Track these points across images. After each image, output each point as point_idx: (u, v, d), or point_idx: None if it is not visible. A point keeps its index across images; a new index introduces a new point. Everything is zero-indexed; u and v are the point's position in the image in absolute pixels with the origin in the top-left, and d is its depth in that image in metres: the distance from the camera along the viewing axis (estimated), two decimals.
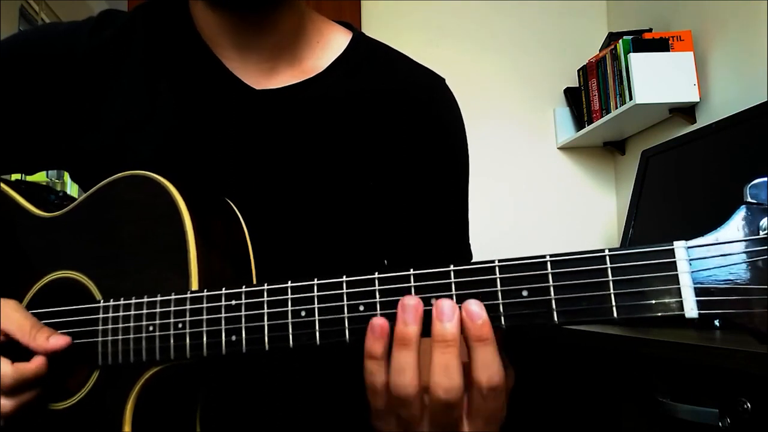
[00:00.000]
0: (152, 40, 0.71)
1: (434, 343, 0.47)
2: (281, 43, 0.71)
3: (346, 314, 0.50)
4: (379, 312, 0.49)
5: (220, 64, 0.70)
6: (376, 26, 2.46)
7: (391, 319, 0.48)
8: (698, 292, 0.42)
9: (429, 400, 0.48)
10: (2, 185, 0.71)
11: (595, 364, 1.25)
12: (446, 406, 0.48)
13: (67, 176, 3.20)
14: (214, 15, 0.69)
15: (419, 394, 0.48)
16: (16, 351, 0.59)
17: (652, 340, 0.99)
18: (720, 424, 0.86)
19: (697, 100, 1.97)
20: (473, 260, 0.80)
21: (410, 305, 0.47)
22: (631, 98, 2.01)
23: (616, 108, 2.11)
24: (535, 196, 2.50)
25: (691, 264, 0.42)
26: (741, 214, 0.42)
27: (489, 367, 0.47)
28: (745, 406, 0.83)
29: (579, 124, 2.43)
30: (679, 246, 0.43)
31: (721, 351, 0.83)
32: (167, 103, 0.69)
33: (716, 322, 1.07)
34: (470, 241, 0.80)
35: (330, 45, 0.74)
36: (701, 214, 1.51)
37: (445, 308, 0.47)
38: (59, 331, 0.60)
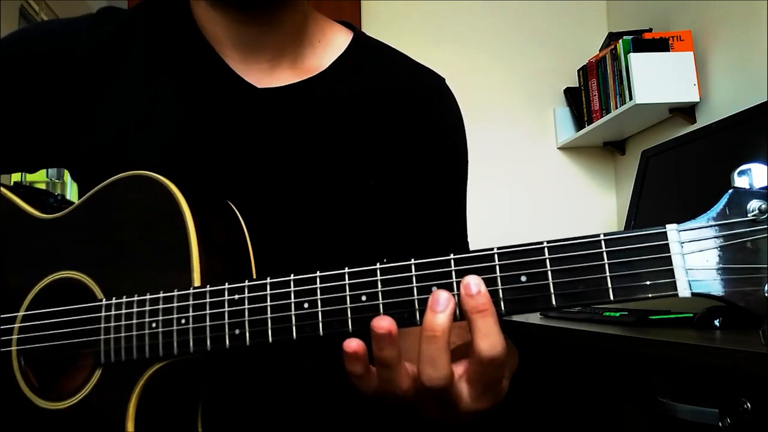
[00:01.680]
0: (153, 39, 0.71)
1: (422, 333, 0.47)
2: (283, 42, 0.71)
3: (348, 305, 0.51)
4: (381, 301, 0.50)
5: (222, 63, 0.70)
6: (376, 26, 2.46)
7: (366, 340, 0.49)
8: (691, 272, 0.44)
9: (417, 384, 0.49)
10: (1, 189, 0.71)
11: (595, 364, 1.25)
12: (433, 393, 0.49)
13: (67, 176, 3.20)
14: (216, 13, 0.69)
15: (411, 389, 0.49)
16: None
17: (652, 340, 0.98)
18: (720, 424, 0.86)
19: (697, 100, 1.97)
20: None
21: (382, 332, 0.47)
22: (631, 98, 2.01)
23: (616, 108, 2.11)
24: (535, 196, 2.50)
25: (683, 246, 0.44)
26: (729, 198, 0.45)
27: (490, 336, 0.47)
28: (745, 406, 0.83)
29: (579, 124, 2.43)
30: (672, 229, 0.45)
31: (721, 351, 0.83)
32: (169, 102, 0.69)
33: (716, 322, 1.07)
34: (469, 240, 0.80)
35: (331, 44, 0.75)
36: (701, 215, 1.50)
37: (441, 299, 0.47)
38: (62, 331, 0.60)
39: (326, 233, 0.70)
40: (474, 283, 0.47)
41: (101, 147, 0.69)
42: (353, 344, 0.48)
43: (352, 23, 0.80)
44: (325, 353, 0.70)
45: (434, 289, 0.48)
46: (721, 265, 0.43)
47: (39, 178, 3.15)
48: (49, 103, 0.70)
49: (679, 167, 1.71)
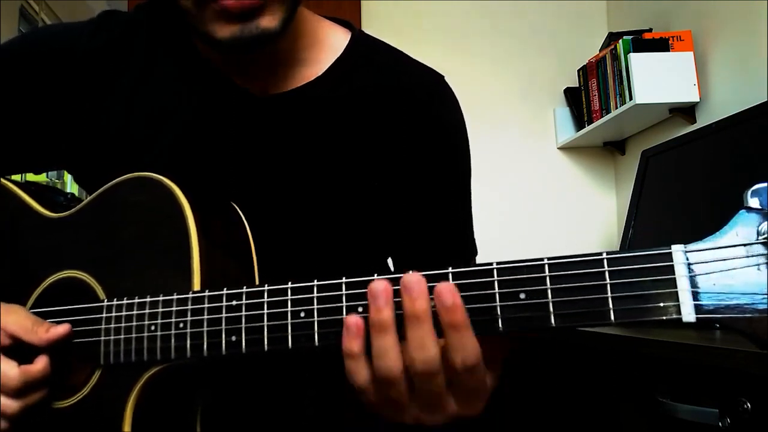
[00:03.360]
0: (153, 45, 0.71)
1: (406, 319, 0.47)
2: (281, 49, 0.70)
3: (344, 316, 0.50)
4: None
5: (220, 72, 0.70)
6: (376, 27, 2.46)
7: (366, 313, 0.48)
8: (696, 296, 0.42)
9: (410, 374, 0.48)
10: (12, 186, 0.71)
11: (595, 364, 1.25)
12: (427, 377, 0.48)
13: (67, 176, 3.20)
14: None
15: (404, 373, 0.48)
16: (23, 353, 0.59)
17: (652, 340, 0.99)
18: (720, 424, 0.87)
19: (697, 100, 1.97)
20: (476, 257, 0.80)
21: (379, 290, 0.47)
22: (631, 98, 2.01)
23: (616, 108, 2.11)
24: (535, 196, 2.50)
25: (689, 268, 0.42)
26: (740, 219, 0.42)
27: (462, 350, 0.46)
28: (745, 406, 0.83)
29: (579, 124, 2.43)
30: (677, 250, 0.43)
31: (721, 351, 0.83)
32: (169, 109, 0.69)
33: (716, 324, 1.07)
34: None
35: (329, 47, 0.74)
36: (701, 215, 1.51)
37: (413, 284, 0.47)
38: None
39: (330, 235, 0.70)
40: (445, 295, 0.46)
41: (103, 150, 0.69)
42: (354, 318, 0.48)
43: (351, 21, 0.80)
44: (323, 359, 0.70)
45: (408, 272, 0.47)
46: (728, 290, 0.41)
47: (39, 178, 3.14)
48: (51, 105, 0.70)
49: (679, 167, 1.71)
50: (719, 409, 0.87)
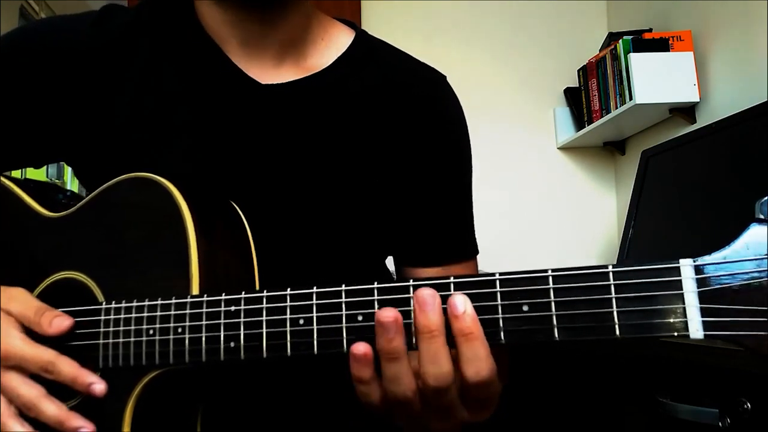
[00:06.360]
0: (158, 38, 0.71)
1: (419, 334, 0.46)
2: (287, 40, 0.71)
3: (344, 324, 0.49)
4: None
5: (227, 60, 0.70)
6: (376, 27, 2.46)
7: (371, 336, 0.48)
8: (704, 312, 0.41)
9: (421, 386, 0.48)
10: (11, 184, 0.71)
11: (596, 365, 1.25)
12: (438, 392, 0.48)
13: (67, 176, 3.20)
14: (220, 11, 0.70)
15: (417, 392, 0.48)
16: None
17: (652, 341, 0.98)
18: (720, 424, 0.87)
19: (697, 100, 1.97)
20: (477, 256, 0.80)
21: (389, 321, 0.47)
22: (631, 98, 2.01)
23: (616, 108, 2.11)
24: (535, 196, 2.50)
25: (697, 282, 0.41)
26: (751, 231, 0.41)
27: (475, 361, 0.46)
28: (745, 406, 0.83)
29: (579, 124, 2.42)
30: (686, 264, 0.41)
31: (721, 351, 0.83)
32: (175, 99, 0.69)
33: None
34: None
35: (334, 43, 0.75)
36: (701, 215, 1.51)
37: (426, 298, 0.46)
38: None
39: (331, 231, 0.70)
40: (458, 305, 0.46)
41: (105, 144, 0.69)
42: (362, 347, 0.47)
43: (354, 22, 0.81)
44: (324, 362, 0.70)
45: (417, 290, 0.47)
46: (737, 306, 0.40)
47: (39, 177, 3.14)
48: (51, 100, 0.70)
49: (679, 167, 1.71)
50: (719, 409, 0.87)
